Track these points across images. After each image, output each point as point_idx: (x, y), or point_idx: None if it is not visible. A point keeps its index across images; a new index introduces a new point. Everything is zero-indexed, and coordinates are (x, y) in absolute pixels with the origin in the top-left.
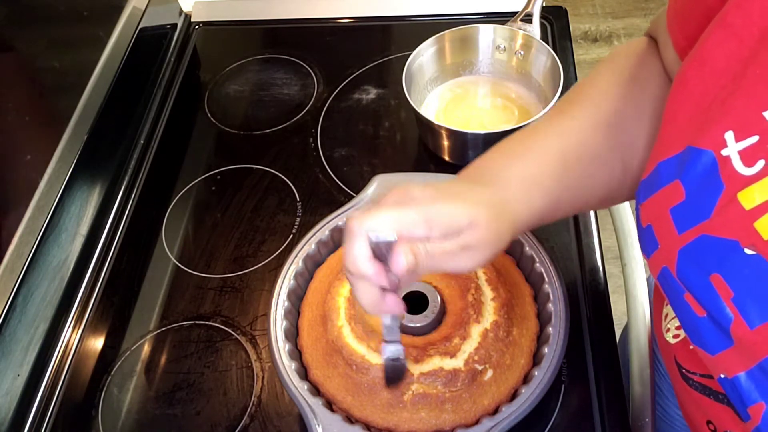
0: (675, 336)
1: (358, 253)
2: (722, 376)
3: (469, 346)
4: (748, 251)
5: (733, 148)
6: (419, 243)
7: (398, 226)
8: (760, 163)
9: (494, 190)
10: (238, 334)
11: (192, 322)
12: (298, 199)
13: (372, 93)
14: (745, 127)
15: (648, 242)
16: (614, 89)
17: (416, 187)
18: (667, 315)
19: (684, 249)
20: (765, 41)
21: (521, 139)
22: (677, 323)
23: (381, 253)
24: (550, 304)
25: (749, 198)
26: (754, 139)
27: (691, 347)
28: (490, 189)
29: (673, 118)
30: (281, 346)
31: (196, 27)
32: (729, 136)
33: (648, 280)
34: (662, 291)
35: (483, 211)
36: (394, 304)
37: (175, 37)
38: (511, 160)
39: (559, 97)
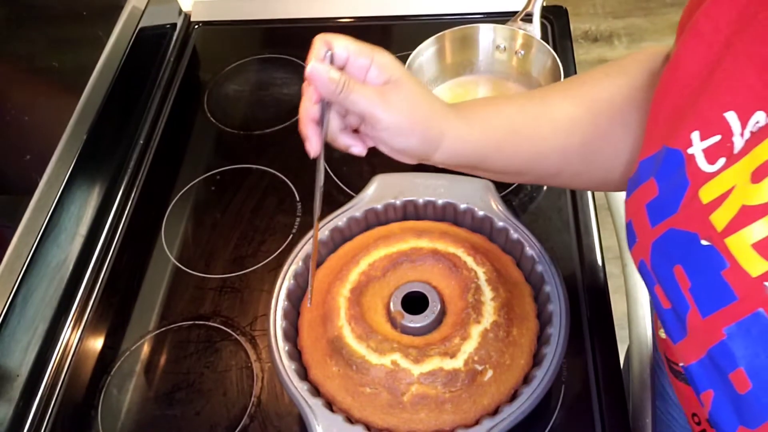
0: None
1: (310, 57)
2: (681, 365)
3: (469, 347)
4: (704, 243)
5: (697, 146)
6: (347, 76)
7: (350, 46)
8: (721, 161)
9: (445, 102)
10: (237, 335)
11: (192, 322)
12: (297, 199)
13: None
14: (708, 127)
15: (630, 236)
16: (604, 78)
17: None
18: None
19: (656, 242)
20: (729, 47)
21: (494, 96)
22: None
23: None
24: (550, 305)
25: (708, 193)
26: (717, 138)
27: (663, 337)
28: (441, 100)
29: (654, 120)
30: (281, 347)
31: (196, 27)
32: (695, 135)
33: None
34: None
35: (416, 85)
36: (312, 136)
37: (174, 37)
38: (474, 101)
39: None
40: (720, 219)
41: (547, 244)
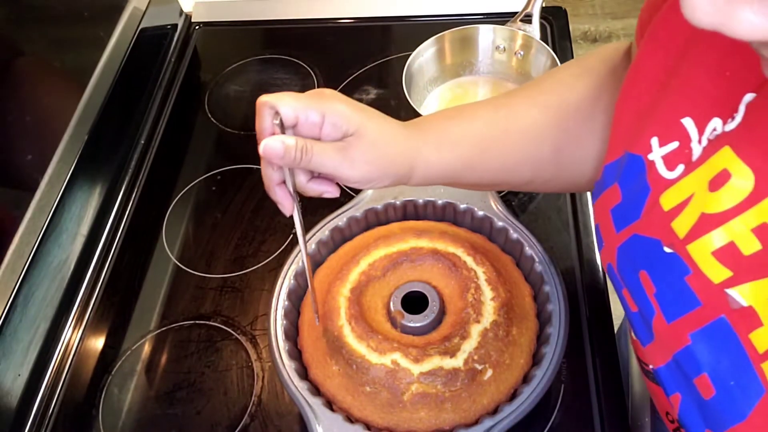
0: None
1: (260, 126)
2: (651, 367)
3: (469, 346)
4: (666, 250)
5: (657, 153)
6: (303, 138)
7: (297, 106)
8: (680, 168)
9: (410, 129)
10: (238, 334)
11: (192, 321)
12: (298, 199)
13: (372, 93)
14: (667, 134)
15: (598, 240)
16: (570, 80)
17: (333, 90)
18: None
19: (621, 247)
20: (685, 54)
21: (462, 106)
22: None
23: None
24: (549, 304)
25: (668, 200)
26: (675, 144)
27: (634, 338)
28: (405, 127)
29: (617, 125)
30: (281, 346)
31: (197, 27)
32: (654, 141)
33: None
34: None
35: (376, 130)
36: (282, 198)
37: (175, 38)
38: (441, 118)
39: None
40: (681, 226)
41: (547, 244)
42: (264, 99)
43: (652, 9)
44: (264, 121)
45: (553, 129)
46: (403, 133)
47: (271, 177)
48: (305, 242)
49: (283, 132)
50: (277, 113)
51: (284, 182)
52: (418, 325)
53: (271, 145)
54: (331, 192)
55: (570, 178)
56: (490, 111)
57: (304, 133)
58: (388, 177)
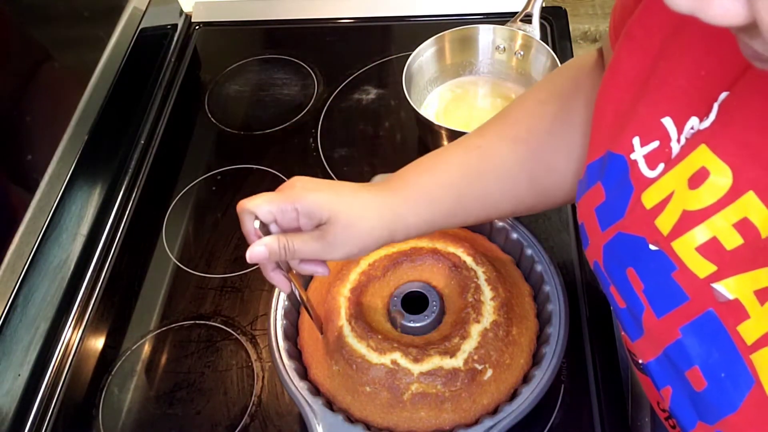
0: None
1: (244, 230)
2: (640, 361)
3: (469, 346)
4: (652, 247)
5: (639, 152)
6: (284, 235)
7: (271, 208)
8: (661, 166)
9: (383, 195)
10: (238, 334)
11: (192, 321)
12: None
13: (372, 93)
14: (647, 133)
15: (583, 238)
16: (538, 108)
17: (305, 178)
18: None
19: (607, 245)
20: (662, 52)
21: (435, 153)
22: None
23: (266, 230)
24: (549, 304)
25: (649, 198)
26: (656, 144)
27: (622, 333)
28: (378, 194)
29: (598, 124)
30: (281, 346)
31: (197, 27)
32: (636, 141)
33: None
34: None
35: (347, 211)
36: (278, 281)
37: (175, 38)
38: (415, 171)
39: None
40: (664, 224)
41: (547, 244)
42: (242, 206)
43: (624, 9)
44: (246, 225)
45: (528, 161)
46: (376, 202)
47: (265, 266)
48: (310, 306)
49: (267, 231)
50: (256, 217)
51: (279, 267)
52: (418, 325)
53: (256, 251)
54: (321, 271)
55: (552, 198)
56: (461, 156)
57: (285, 226)
58: (369, 248)
